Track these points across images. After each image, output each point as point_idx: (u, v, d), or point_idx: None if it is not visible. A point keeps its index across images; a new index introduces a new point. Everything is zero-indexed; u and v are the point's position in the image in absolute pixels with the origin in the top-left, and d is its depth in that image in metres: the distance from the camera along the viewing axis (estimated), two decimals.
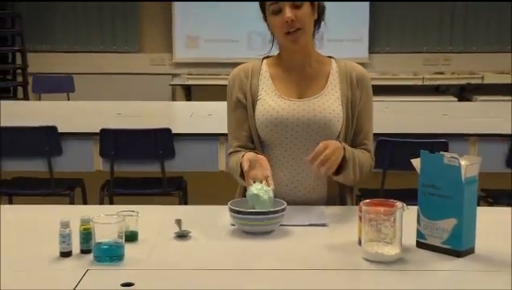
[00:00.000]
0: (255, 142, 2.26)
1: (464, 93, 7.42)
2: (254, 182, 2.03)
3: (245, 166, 2.06)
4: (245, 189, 2.19)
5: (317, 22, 2.24)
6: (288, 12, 2.12)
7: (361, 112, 2.26)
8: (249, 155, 2.12)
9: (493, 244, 1.85)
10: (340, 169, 2.12)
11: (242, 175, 2.10)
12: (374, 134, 2.38)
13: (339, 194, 2.30)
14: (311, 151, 2.12)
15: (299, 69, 2.27)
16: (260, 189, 1.99)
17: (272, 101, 2.23)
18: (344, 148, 2.10)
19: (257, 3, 2.23)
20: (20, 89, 7.68)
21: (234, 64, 2.35)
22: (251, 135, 2.27)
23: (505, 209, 2.48)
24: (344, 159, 2.11)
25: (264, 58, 2.33)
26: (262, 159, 2.11)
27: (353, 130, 2.25)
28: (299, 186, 2.24)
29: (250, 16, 2.30)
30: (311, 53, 2.27)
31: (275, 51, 2.31)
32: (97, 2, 7.86)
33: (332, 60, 2.32)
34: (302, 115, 2.21)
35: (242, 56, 2.48)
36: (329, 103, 2.22)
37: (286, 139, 2.22)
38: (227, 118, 2.33)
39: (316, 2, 2.20)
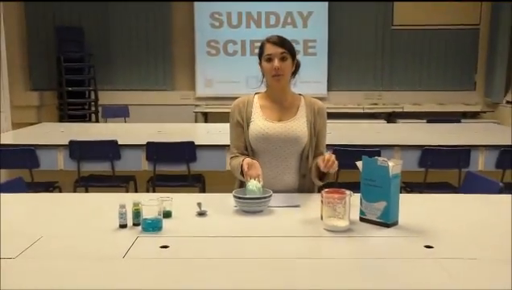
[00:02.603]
0: (248, 151, 2.25)
1: (391, 117, 7.43)
2: (250, 179, 2.02)
3: (245, 167, 2.06)
4: (241, 183, 2.18)
5: (294, 73, 2.25)
6: (277, 62, 2.15)
7: (319, 132, 2.27)
8: (247, 160, 2.11)
9: (410, 218, 1.85)
10: (324, 176, 2.19)
11: (242, 173, 2.09)
12: (331, 145, 2.37)
13: (307, 186, 2.28)
14: (287, 158, 2.21)
15: (279, 102, 2.27)
16: (255, 185, 1.99)
17: (261, 123, 2.23)
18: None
19: (253, 60, 2.24)
20: (93, 115, 7.68)
21: (237, 98, 2.35)
22: (246, 145, 2.26)
23: (418, 195, 2.47)
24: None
25: (256, 93, 2.33)
26: (255, 163, 2.10)
27: (314, 143, 2.26)
28: (279, 180, 2.23)
29: (247, 66, 2.30)
30: (287, 92, 2.27)
31: (264, 88, 2.30)
32: (145, 56, 7.87)
33: (301, 96, 2.32)
34: (280, 133, 2.21)
35: (242, 92, 2.47)
36: (299, 125, 2.23)
37: (270, 149, 2.22)
38: (229, 132, 2.32)
39: (295, 60, 2.22)
